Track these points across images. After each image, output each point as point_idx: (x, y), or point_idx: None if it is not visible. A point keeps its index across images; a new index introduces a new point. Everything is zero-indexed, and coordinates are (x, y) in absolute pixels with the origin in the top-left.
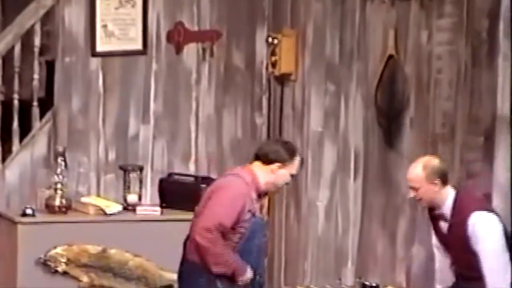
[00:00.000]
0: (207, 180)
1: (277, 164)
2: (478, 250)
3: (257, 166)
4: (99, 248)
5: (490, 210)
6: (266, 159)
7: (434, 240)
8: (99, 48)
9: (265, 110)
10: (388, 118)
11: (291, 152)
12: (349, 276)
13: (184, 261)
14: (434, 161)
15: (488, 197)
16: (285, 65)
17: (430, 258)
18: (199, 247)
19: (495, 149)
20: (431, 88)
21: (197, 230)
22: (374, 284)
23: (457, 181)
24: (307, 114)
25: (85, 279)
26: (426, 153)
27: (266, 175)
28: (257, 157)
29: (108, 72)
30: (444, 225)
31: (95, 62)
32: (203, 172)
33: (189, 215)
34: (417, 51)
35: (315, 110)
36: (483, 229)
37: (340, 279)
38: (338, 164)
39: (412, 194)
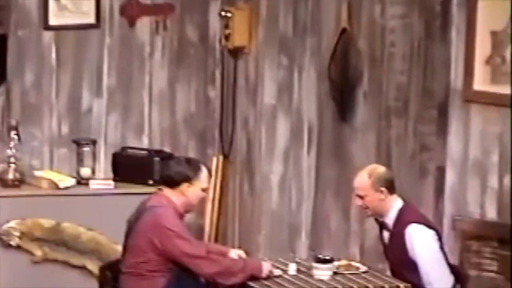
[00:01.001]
0: (160, 154)
1: (185, 185)
2: (416, 260)
3: (168, 191)
4: (53, 222)
5: (431, 227)
6: (172, 182)
7: None
8: (52, 21)
9: (218, 84)
10: (341, 92)
11: (194, 168)
12: (302, 249)
13: None
14: (380, 169)
15: (441, 171)
16: (239, 39)
17: None
18: (216, 276)
19: (449, 122)
20: (385, 62)
21: (198, 267)
22: (327, 257)
23: (410, 155)
24: (260, 87)
25: (38, 253)
26: (379, 127)
27: (178, 198)
28: (164, 183)
29: (61, 45)
30: (386, 235)
31: (48, 36)
32: (156, 146)
33: (143, 189)
34: (370, 24)
35: (268, 83)
36: (419, 240)
37: (293, 252)
38: (291, 138)
39: (358, 202)
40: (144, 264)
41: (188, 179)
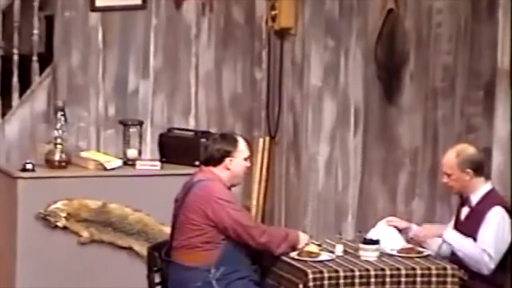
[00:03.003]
0: (207, 135)
1: (227, 159)
2: (482, 226)
3: (212, 169)
4: (99, 203)
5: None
6: (215, 161)
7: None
8: (99, 3)
9: (264, 65)
10: (388, 73)
11: (231, 141)
12: (349, 230)
13: (177, 270)
14: (469, 150)
15: (488, 152)
16: (285, 20)
17: (430, 212)
18: (266, 245)
19: (495, 103)
20: (431, 42)
21: (250, 236)
22: (374, 238)
23: (457, 135)
24: (307, 68)
25: (85, 234)
26: (426, 108)
27: (224, 173)
28: (206, 163)
29: (107, 27)
30: (465, 211)
31: (94, 17)
32: (203, 127)
33: (189, 170)
34: (417, 5)
35: (315, 64)
36: (497, 219)
37: (340, 234)
38: (338, 119)
39: (444, 179)
40: (197, 237)
41: (228, 153)
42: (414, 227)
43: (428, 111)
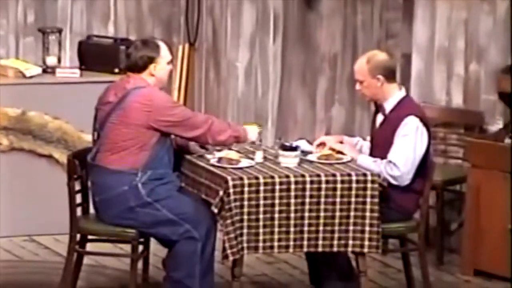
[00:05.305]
0: (126, 42)
1: (152, 66)
2: (395, 139)
3: (138, 76)
4: (18, 111)
5: (427, 125)
6: (139, 68)
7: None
8: None
9: None
10: None
11: (154, 47)
12: (269, 137)
13: (103, 174)
14: (379, 56)
15: (407, 58)
16: None
17: (350, 118)
18: (205, 135)
19: (415, 8)
20: None
21: (196, 125)
22: (293, 145)
23: (376, 41)
24: None
25: (4, 141)
26: (345, 13)
27: (150, 79)
28: (130, 70)
29: None
30: (380, 119)
31: None
32: (122, 34)
33: (108, 77)
34: None
35: None
36: (411, 129)
37: (260, 140)
38: (257, 25)
39: (357, 86)
40: (130, 140)
41: (152, 60)
42: (346, 138)
43: (348, 16)
